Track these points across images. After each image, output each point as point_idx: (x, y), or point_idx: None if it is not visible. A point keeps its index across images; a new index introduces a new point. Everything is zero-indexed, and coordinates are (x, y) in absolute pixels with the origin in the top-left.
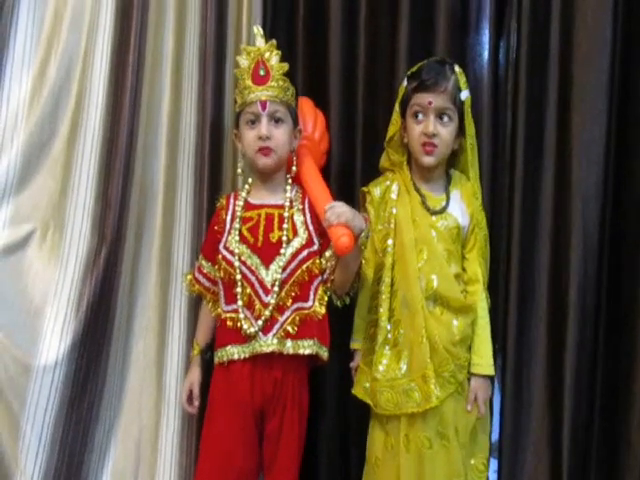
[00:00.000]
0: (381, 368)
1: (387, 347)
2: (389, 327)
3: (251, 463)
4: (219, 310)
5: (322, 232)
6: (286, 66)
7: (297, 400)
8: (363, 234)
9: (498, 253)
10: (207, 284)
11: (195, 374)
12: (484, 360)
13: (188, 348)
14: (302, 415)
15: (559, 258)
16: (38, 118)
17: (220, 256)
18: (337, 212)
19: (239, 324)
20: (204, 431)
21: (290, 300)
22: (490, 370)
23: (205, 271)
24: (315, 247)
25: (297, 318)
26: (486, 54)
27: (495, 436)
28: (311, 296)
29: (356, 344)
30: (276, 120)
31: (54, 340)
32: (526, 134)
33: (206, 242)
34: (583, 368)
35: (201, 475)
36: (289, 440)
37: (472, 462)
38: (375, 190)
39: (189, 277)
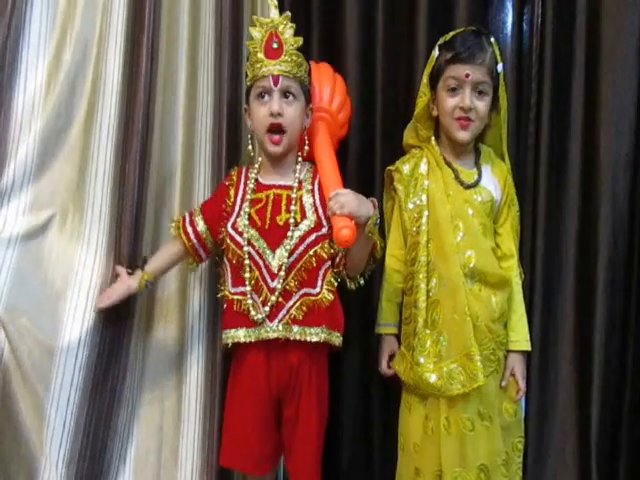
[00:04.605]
0: (424, 351)
1: (427, 330)
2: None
3: (270, 448)
4: (226, 292)
5: None
6: (300, 40)
7: (315, 386)
8: (371, 221)
9: (523, 228)
10: (195, 242)
11: (124, 285)
12: (521, 336)
13: (209, 329)
14: (321, 401)
15: (587, 232)
16: (54, 104)
17: (227, 237)
18: (341, 201)
19: (246, 309)
20: (225, 415)
21: (297, 285)
22: (527, 346)
23: (199, 229)
24: (324, 230)
25: (304, 304)
26: (509, 22)
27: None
28: (319, 282)
29: (384, 329)
30: (288, 96)
31: (76, 323)
32: (552, 103)
33: (209, 205)
34: (612, 345)
35: (224, 458)
36: (307, 426)
37: (514, 441)
38: (404, 167)
39: (177, 224)
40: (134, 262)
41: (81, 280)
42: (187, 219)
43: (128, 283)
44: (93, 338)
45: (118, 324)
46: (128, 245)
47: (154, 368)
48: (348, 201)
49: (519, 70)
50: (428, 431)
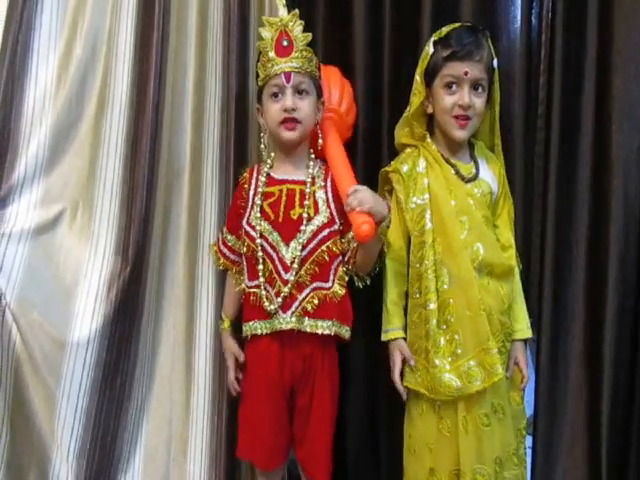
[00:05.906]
0: (439, 352)
1: (441, 330)
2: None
3: (282, 440)
4: (243, 285)
5: (344, 211)
6: (310, 36)
7: (327, 373)
8: (384, 223)
9: (532, 224)
10: (232, 257)
11: (232, 345)
12: (524, 324)
13: (217, 324)
14: (333, 388)
15: (598, 230)
16: (65, 99)
17: (243, 231)
18: (360, 198)
19: (260, 300)
20: (240, 407)
21: (309, 278)
22: (529, 332)
23: (230, 244)
24: (336, 226)
25: (316, 297)
26: (519, 16)
27: (529, 412)
28: (331, 277)
29: (394, 333)
30: (300, 92)
31: (86, 318)
32: (562, 98)
33: (230, 215)
34: (623, 343)
35: (240, 449)
36: (321, 412)
37: (519, 427)
38: (402, 167)
39: (214, 249)
40: (140, 259)
41: (91, 275)
42: (219, 239)
43: (231, 347)
44: (103, 333)
45: (127, 320)
46: (136, 240)
47: (163, 362)
48: (367, 197)
49: (529, 64)
50: (444, 431)
